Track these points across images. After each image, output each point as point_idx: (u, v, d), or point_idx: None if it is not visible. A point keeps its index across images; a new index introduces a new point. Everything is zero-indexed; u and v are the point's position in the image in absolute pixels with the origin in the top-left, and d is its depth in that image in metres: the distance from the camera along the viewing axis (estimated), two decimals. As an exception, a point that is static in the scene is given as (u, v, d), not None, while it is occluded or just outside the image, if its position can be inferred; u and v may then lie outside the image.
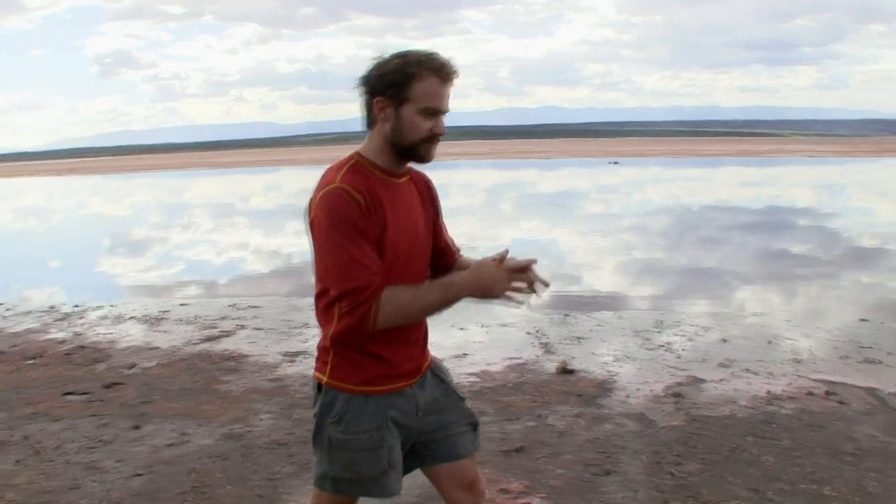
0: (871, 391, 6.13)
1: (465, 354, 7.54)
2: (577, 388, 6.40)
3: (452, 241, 2.86)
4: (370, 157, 2.52)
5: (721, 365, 6.94)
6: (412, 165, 2.63)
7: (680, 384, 6.44)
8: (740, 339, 7.85)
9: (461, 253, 2.88)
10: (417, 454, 2.71)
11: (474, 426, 2.81)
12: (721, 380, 6.53)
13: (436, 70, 2.42)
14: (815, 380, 6.44)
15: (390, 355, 2.54)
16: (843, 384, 6.30)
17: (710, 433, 5.29)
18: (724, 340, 7.77)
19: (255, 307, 10.19)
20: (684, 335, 8.03)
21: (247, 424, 5.73)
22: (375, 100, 2.45)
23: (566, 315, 9.08)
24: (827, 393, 6.08)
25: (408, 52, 2.45)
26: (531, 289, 2.50)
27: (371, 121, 2.51)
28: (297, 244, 15.88)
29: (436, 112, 2.45)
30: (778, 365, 6.89)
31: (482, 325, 8.67)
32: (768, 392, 6.15)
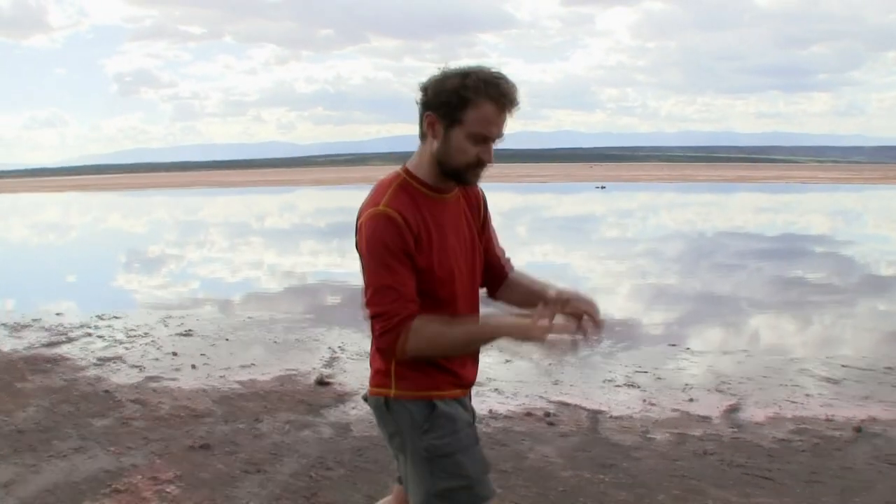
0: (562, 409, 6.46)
1: (252, 364, 8.00)
2: (314, 399, 6.83)
3: (503, 252, 2.78)
4: (418, 172, 2.45)
5: (477, 384, 7.28)
6: None
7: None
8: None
9: (511, 264, 2.79)
10: None
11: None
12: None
13: (494, 99, 2.32)
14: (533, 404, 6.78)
15: (451, 365, 2.49)
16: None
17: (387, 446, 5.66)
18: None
19: (118, 317, 10.67)
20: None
21: (7, 414, 6.33)
22: (426, 114, 2.38)
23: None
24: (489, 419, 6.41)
25: (470, 71, 2.33)
26: (579, 331, 2.41)
27: (422, 134, 2.43)
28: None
29: (486, 139, 2.36)
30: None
31: (277, 342, 9.24)
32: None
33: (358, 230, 2.40)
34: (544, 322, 2.28)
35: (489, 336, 2.39)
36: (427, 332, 2.32)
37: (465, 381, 2.57)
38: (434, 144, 2.39)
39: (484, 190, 2.70)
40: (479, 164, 2.39)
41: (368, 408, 2.66)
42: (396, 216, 2.32)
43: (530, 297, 2.56)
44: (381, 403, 2.50)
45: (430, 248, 2.38)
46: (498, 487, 4.69)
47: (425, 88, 2.38)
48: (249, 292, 13.68)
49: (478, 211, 2.65)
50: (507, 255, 2.81)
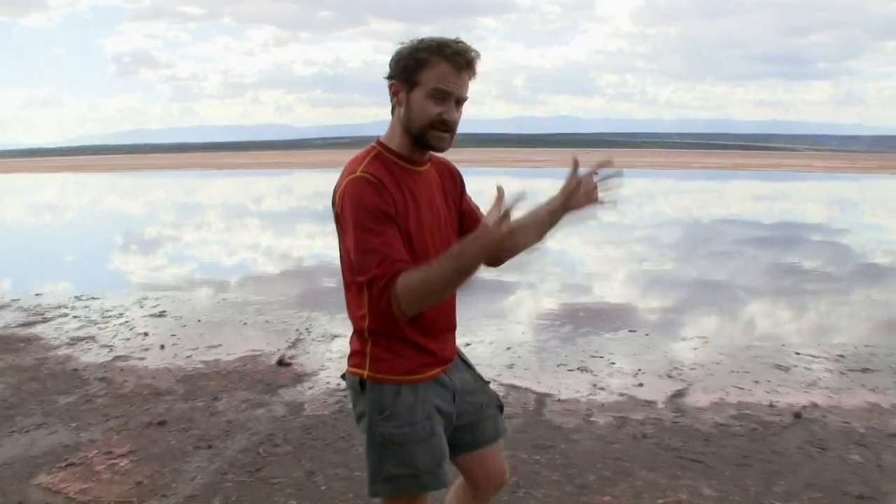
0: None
1: (219, 345, 8.20)
2: (273, 379, 7.01)
3: (478, 211, 2.81)
4: (391, 144, 2.51)
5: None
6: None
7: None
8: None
9: None
10: (451, 444, 2.66)
11: (501, 408, 2.83)
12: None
13: (448, 57, 2.38)
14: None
15: (428, 343, 2.52)
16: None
17: (336, 424, 5.83)
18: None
19: (95, 298, 10.88)
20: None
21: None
22: (390, 83, 2.46)
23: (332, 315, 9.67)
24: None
25: (427, 38, 2.41)
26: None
27: (393, 107, 2.50)
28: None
29: (445, 94, 2.40)
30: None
31: (246, 323, 9.42)
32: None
33: (335, 202, 2.43)
34: (497, 216, 2.24)
35: (468, 260, 2.24)
36: (412, 283, 2.29)
37: (445, 359, 2.61)
38: (400, 112, 2.47)
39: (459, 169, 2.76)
40: (442, 124, 2.42)
41: (322, 388, 2.78)
42: (375, 180, 2.36)
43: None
44: (356, 383, 2.54)
45: (406, 216, 2.42)
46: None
47: (389, 63, 2.47)
48: (226, 274, 13.86)
49: (453, 182, 2.70)
50: None
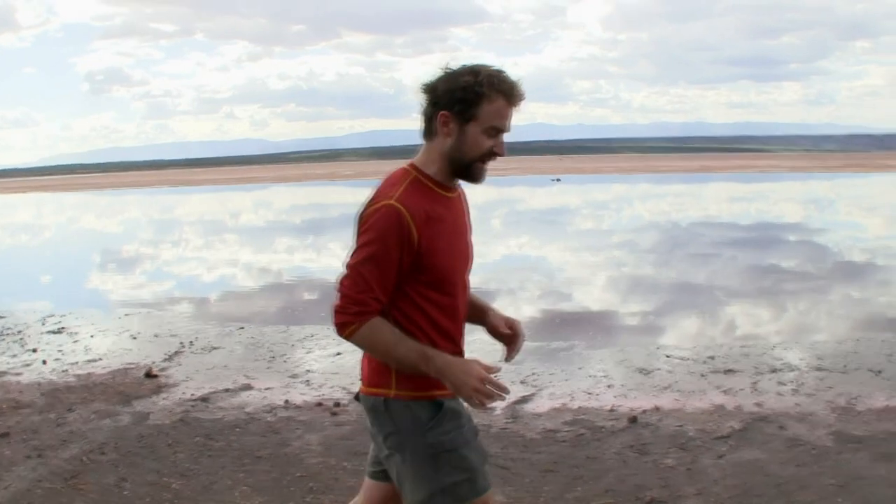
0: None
1: (100, 358, 8.47)
2: (134, 390, 7.18)
3: None
4: (427, 170, 2.51)
5: (292, 376, 7.68)
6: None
7: (228, 390, 7.18)
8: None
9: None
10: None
11: None
12: (268, 388, 7.25)
13: (505, 93, 2.43)
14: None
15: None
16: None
17: (171, 433, 6.01)
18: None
19: (2, 317, 10.98)
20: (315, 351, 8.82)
21: None
22: (440, 113, 2.43)
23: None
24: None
25: (479, 68, 2.43)
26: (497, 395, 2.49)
27: (431, 133, 2.50)
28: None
29: (499, 132, 2.47)
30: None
31: (135, 337, 9.63)
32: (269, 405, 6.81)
33: (363, 218, 2.44)
34: (482, 389, 2.40)
35: (426, 370, 2.41)
36: (379, 336, 2.41)
37: None
38: (447, 142, 2.45)
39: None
40: (490, 157, 2.49)
41: (176, 398, 2.82)
42: (405, 212, 2.37)
43: (471, 308, 2.73)
44: (380, 403, 2.51)
45: (437, 243, 2.44)
46: (241, 472, 5.15)
47: (433, 88, 2.45)
48: (133, 290, 14.23)
49: (469, 213, 2.74)
50: None
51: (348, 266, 2.44)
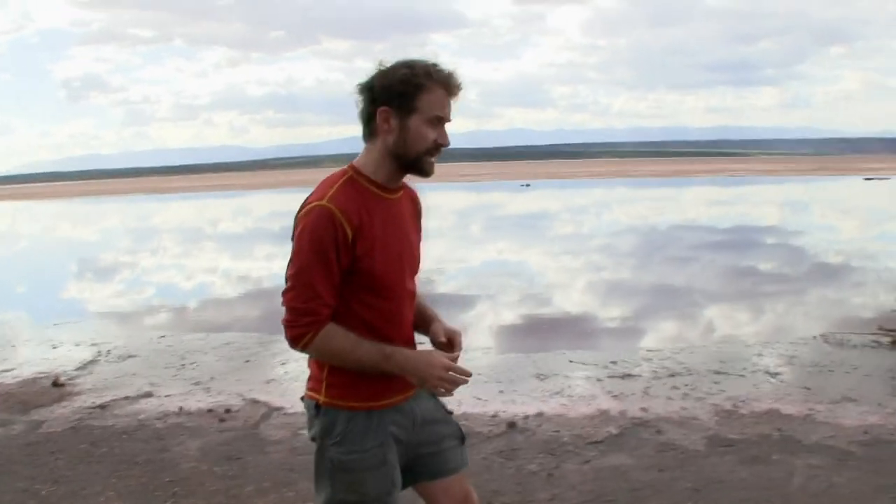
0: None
1: (13, 368, 8.46)
2: (36, 399, 7.14)
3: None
4: (366, 171, 2.46)
5: (196, 383, 7.68)
6: (408, 180, 2.61)
7: (128, 397, 7.18)
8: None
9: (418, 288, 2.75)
10: (411, 470, 2.63)
11: (462, 440, 2.77)
12: (168, 395, 7.25)
13: (443, 81, 2.39)
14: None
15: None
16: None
17: (59, 440, 5.99)
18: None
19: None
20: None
21: None
22: (380, 110, 2.39)
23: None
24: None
25: (414, 61, 2.40)
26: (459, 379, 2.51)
27: (371, 132, 2.45)
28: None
29: (441, 120, 2.42)
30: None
31: (56, 346, 9.62)
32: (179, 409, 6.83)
33: (296, 222, 2.40)
34: (447, 377, 2.42)
35: (389, 368, 2.41)
36: (334, 343, 2.38)
37: (404, 386, 2.53)
38: (389, 139, 2.41)
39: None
40: (436, 149, 2.44)
41: (75, 407, 2.75)
42: (337, 212, 2.33)
43: (418, 316, 2.71)
44: (312, 406, 2.52)
45: (372, 245, 2.39)
46: (113, 478, 5.14)
47: (369, 87, 2.41)
48: (68, 301, 14.34)
49: (418, 216, 2.68)
50: None
51: (289, 277, 2.38)
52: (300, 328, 2.36)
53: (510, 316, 10.93)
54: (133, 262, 20.36)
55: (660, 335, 9.40)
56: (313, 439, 2.55)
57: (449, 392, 2.47)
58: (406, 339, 2.57)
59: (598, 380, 7.24)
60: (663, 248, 18.33)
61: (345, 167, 2.49)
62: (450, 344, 2.64)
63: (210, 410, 6.67)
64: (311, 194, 2.42)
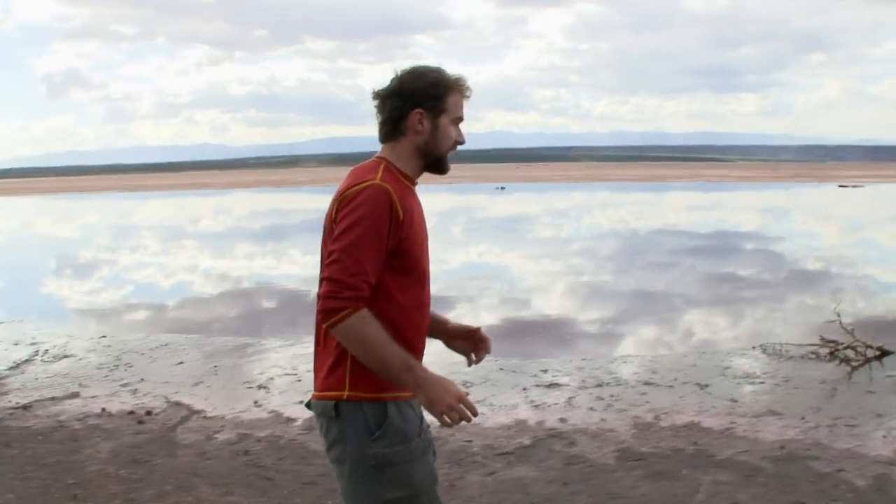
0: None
1: None
2: None
3: None
4: (397, 164, 2.54)
5: (124, 385, 7.63)
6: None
7: (54, 398, 7.12)
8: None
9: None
10: None
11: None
12: (93, 396, 7.19)
13: (461, 86, 2.57)
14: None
15: (412, 352, 2.46)
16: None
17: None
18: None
19: None
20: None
21: None
22: (414, 111, 2.50)
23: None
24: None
25: (436, 67, 2.57)
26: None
27: (400, 131, 2.54)
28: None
29: (459, 122, 2.60)
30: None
31: None
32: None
33: (344, 199, 2.40)
34: (456, 408, 2.33)
35: (404, 380, 2.35)
36: (368, 330, 2.31)
37: None
38: (419, 139, 2.53)
39: None
40: (455, 147, 2.60)
41: None
42: (393, 192, 2.39)
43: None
44: (330, 408, 2.41)
45: (414, 230, 2.46)
46: (17, 480, 5.07)
47: (398, 91, 2.52)
48: (17, 298, 14.32)
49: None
50: None
51: (336, 250, 2.34)
52: (341, 301, 2.29)
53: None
54: (92, 261, 20.30)
55: (597, 345, 9.37)
56: (332, 444, 2.44)
57: (450, 424, 2.37)
58: (424, 330, 2.60)
59: (524, 389, 7.22)
60: (614, 256, 18.27)
61: (375, 159, 2.55)
62: (479, 340, 2.79)
63: (131, 412, 6.64)
64: (355, 178, 2.45)
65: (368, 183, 2.39)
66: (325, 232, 2.49)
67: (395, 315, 2.43)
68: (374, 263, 2.34)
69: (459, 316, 10.66)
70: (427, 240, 2.62)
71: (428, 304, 2.59)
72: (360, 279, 2.31)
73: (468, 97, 2.60)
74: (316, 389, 2.49)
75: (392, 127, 2.53)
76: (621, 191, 57.42)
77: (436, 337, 2.78)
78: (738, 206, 38.46)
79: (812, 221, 29.62)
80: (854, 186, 55.50)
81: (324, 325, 2.36)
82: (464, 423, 2.38)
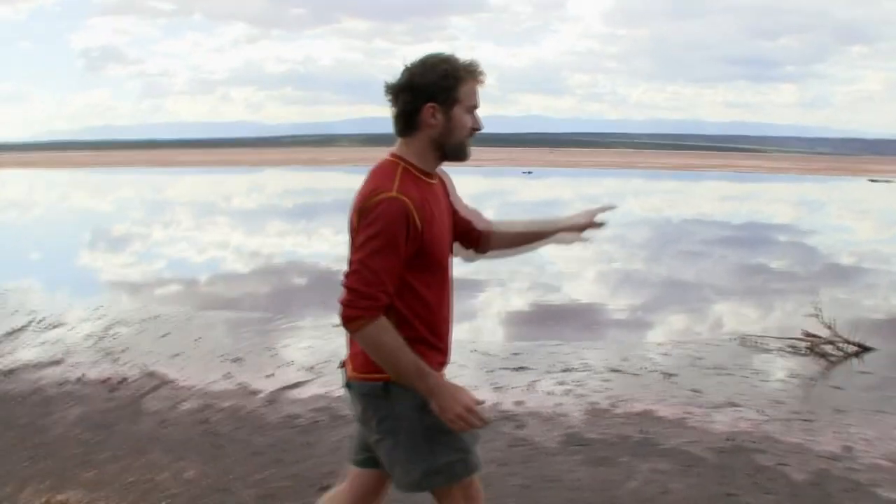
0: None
1: None
2: None
3: (474, 213, 3.02)
4: (413, 161, 2.62)
5: (107, 353, 7.86)
6: (444, 166, 2.79)
7: (38, 364, 7.37)
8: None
9: (485, 218, 3.06)
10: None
11: None
12: (76, 363, 7.42)
13: (474, 74, 2.61)
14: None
15: (439, 342, 2.66)
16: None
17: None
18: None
19: None
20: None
21: None
22: (427, 106, 2.55)
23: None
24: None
25: (445, 56, 2.60)
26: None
27: (414, 126, 2.61)
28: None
29: (474, 109, 2.64)
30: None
31: None
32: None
33: (361, 212, 2.50)
34: (465, 417, 2.46)
35: (418, 385, 2.48)
36: (386, 336, 2.46)
37: (447, 361, 2.73)
38: (434, 132, 2.59)
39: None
40: (472, 134, 2.65)
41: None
42: (410, 206, 2.47)
43: (521, 237, 3.15)
44: (378, 388, 2.57)
45: (431, 229, 2.54)
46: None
47: (409, 86, 2.57)
48: (24, 268, 14.49)
49: (445, 187, 2.83)
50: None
51: (355, 261, 2.48)
52: (358, 310, 2.45)
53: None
54: (106, 234, 20.52)
55: (574, 330, 9.34)
56: (382, 419, 2.59)
57: (459, 431, 2.53)
58: (449, 322, 2.73)
59: (490, 371, 7.29)
60: (611, 240, 17.88)
61: (390, 158, 2.63)
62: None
63: (106, 380, 6.86)
64: (373, 185, 2.53)
65: (385, 196, 2.47)
66: (349, 233, 2.60)
67: (421, 309, 2.59)
68: (389, 276, 2.47)
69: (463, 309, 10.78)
70: (446, 229, 2.72)
71: (448, 290, 2.72)
72: (376, 289, 2.45)
73: (482, 82, 2.63)
74: (357, 371, 2.64)
75: (406, 121, 2.61)
76: (648, 179, 57.03)
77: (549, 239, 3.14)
78: (754, 198, 38.01)
79: (826, 215, 29.26)
80: (886, 181, 54.73)
81: (345, 328, 2.52)
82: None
